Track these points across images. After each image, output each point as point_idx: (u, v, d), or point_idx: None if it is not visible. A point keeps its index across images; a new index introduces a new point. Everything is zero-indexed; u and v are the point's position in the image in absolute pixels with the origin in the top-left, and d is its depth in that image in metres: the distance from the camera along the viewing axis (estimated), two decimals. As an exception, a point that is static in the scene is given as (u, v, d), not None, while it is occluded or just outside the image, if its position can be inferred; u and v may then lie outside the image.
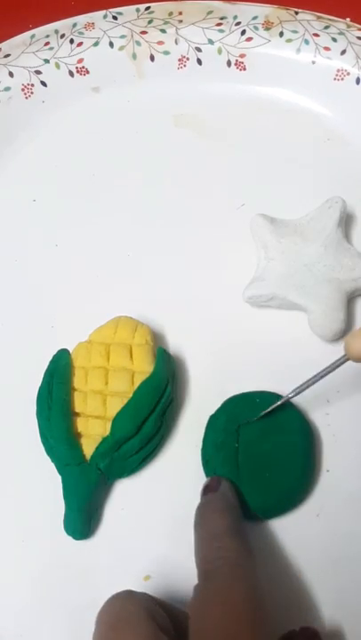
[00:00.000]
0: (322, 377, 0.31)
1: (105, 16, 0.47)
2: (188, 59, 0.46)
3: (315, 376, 0.31)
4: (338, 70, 0.44)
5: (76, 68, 0.46)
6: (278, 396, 0.33)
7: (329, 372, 0.30)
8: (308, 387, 0.31)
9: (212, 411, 0.34)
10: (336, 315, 0.36)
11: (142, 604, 0.26)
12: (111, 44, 0.46)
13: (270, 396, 0.33)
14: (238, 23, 0.45)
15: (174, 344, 0.37)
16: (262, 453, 0.32)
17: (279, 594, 0.30)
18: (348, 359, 0.29)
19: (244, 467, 0.32)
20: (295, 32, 0.45)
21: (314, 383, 0.31)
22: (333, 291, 0.36)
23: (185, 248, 0.40)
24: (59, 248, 0.41)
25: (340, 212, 0.38)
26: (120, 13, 0.47)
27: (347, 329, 0.36)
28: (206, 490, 0.31)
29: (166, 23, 0.46)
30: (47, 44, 0.46)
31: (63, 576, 0.32)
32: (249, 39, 0.45)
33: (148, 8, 0.47)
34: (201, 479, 0.32)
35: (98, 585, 0.31)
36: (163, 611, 0.26)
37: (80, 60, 0.46)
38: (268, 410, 0.32)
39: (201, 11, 0.46)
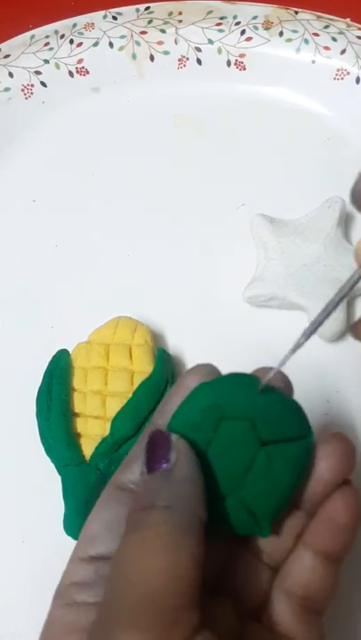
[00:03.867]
0: (336, 304, 0.24)
1: (105, 16, 0.47)
2: (187, 59, 0.46)
3: (331, 302, 0.24)
4: (338, 70, 0.44)
5: (76, 68, 0.46)
6: (290, 400, 0.24)
7: (345, 295, 0.25)
8: (323, 318, 0.25)
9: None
10: (336, 315, 0.36)
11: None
12: (111, 45, 0.46)
13: (282, 398, 0.24)
14: (238, 23, 0.45)
15: (174, 344, 0.37)
16: (241, 464, 0.22)
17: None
18: None
19: (212, 467, 0.22)
20: (295, 32, 0.45)
21: (330, 312, 0.25)
22: (333, 290, 0.36)
23: (185, 248, 0.40)
24: (59, 248, 0.41)
25: (339, 212, 0.38)
26: (120, 13, 0.47)
27: (347, 329, 0.36)
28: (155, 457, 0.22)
29: (166, 23, 0.46)
30: (47, 44, 0.46)
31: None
32: (249, 39, 0.45)
33: (147, 8, 0.47)
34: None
35: (98, 585, 0.32)
36: None
37: (80, 61, 0.46)
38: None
39: (201, 11, 0.46)
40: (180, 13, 0.46)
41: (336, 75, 0.44)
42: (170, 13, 0.46)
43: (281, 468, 0.22)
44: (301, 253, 0.37)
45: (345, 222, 0.39)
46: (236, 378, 0.24)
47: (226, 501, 0.22)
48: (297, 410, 0.24)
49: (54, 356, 0.35)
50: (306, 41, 0.44)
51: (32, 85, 0.45)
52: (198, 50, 0.46)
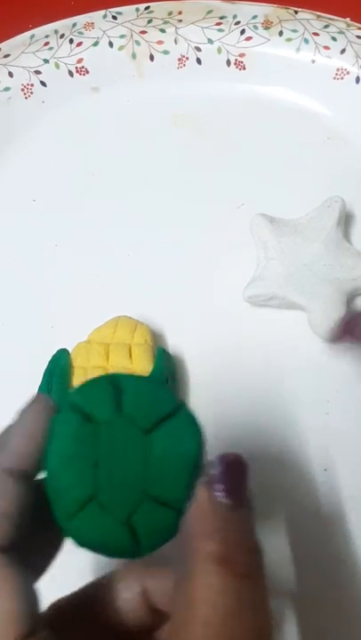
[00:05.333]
0: None
1: (104, 16, 0.47)
2: (187, 58, 0.46)
3: None
4: (338, 69, 0.44)
5: (76, 67, 0.46)
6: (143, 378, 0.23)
7: None
8: None
9: (212, 410, 0.32)
10: (336, 314, 0.36)
11: None
12: (111, 44, 0.46)
13: (135, 380, 0.22)
14: (238, 22, 0.45)
15: (174, 344, 0.37)
16: (138, 462, 0.20)
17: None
18: None
19: (105, 485, 0.20)
20: (295, 31, 0.45)
21: None
22: (333, 290, 0.36)
23: (185, 248, 0.40)
24: (59, 248, 0.41)
25: (339, 212, 0.38)
26: (120, 13, 0.47)
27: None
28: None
29: (166, 23, 0.46)
30: (47, 44, 0.46)
31: (63, 576, 0.32)
32: (248, 38, 0.45)
33: (147, 8, 0.47)
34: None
35: (98, 585, 0.32)
36: None
37: (80, 60, 0.46)
38: None
39: (200, 10, 0.46)
40: (180, 13, 0.46)
41: (336, 74, 0.44)
42: (170, 13, 0.46)
43: (177, 441, 0.20)
44: (301, 253, 0.37)
45: (345, 222, 0.39)
46: (90, 385, 0.22)
47: (140, 509, 0.20)
48: (156, 385, 0.22)
49: (54, 356, 0.35)
50: (306, 40, 0.44)
51: (32, 85, 0.45)
52: (198, 49, 0.46)
